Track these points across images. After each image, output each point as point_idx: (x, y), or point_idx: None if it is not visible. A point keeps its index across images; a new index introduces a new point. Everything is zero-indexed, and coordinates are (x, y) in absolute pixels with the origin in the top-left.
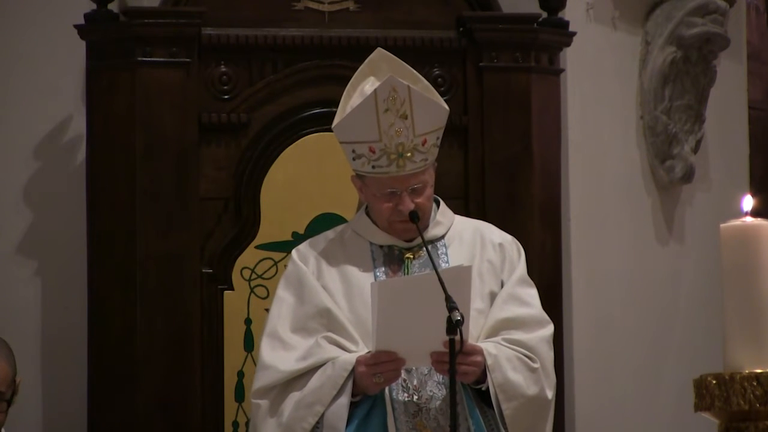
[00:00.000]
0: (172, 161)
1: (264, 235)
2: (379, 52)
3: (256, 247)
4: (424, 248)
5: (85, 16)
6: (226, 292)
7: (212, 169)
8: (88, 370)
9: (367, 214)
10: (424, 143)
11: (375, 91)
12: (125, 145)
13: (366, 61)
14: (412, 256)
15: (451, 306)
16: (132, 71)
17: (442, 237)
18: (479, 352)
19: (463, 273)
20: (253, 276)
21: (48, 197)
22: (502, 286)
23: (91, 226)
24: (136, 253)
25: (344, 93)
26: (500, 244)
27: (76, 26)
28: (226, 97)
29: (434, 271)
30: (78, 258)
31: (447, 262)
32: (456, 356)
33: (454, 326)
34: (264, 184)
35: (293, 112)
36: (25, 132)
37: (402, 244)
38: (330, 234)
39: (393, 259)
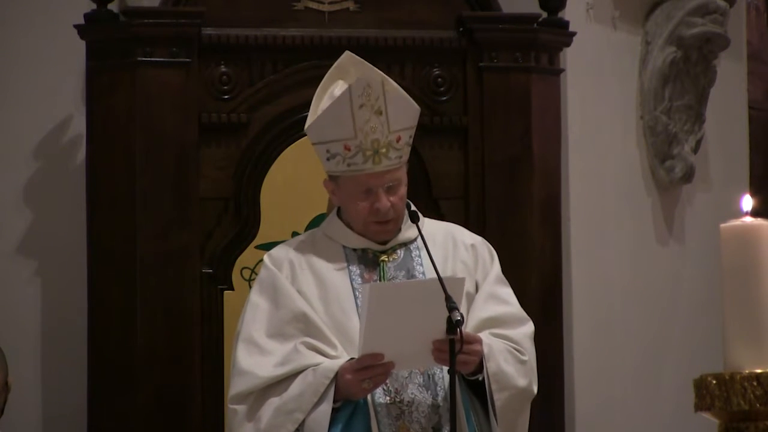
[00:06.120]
0: (172, 161)
1: (264, 235)
2: (348, 55)
3: (256, 247)
4: (400, 250)
5: (85, 16)
6: (226, 292)
7: (212, 169)
8: (88, 370)
9: (339, 217)
10: (398, 140)
11: (349, 87)
12: (125, 145)
13: (335, 64)
14: (386, 259)
15: (451, 306)
16: (132, 71)
17: (415, 239)
18: (479, 340)
19: (457, 284)
20: (253, 276)
21: (48, 197)
22: (476, 286)
23: (91, 226)
24: (136, 253)
25: (314, 96)
26: (472, 245)
27: (76, 26)
28: (226, 97)
29: (434, 276)
30: (78, 258)
31: (421, 264)
32: (455, 356)
33: (454, 326)
34: (264, 184)
35: (293, 112)
36: (25, 132)
37: (376, 247)
38: (302, 238)
39: (367, 262)
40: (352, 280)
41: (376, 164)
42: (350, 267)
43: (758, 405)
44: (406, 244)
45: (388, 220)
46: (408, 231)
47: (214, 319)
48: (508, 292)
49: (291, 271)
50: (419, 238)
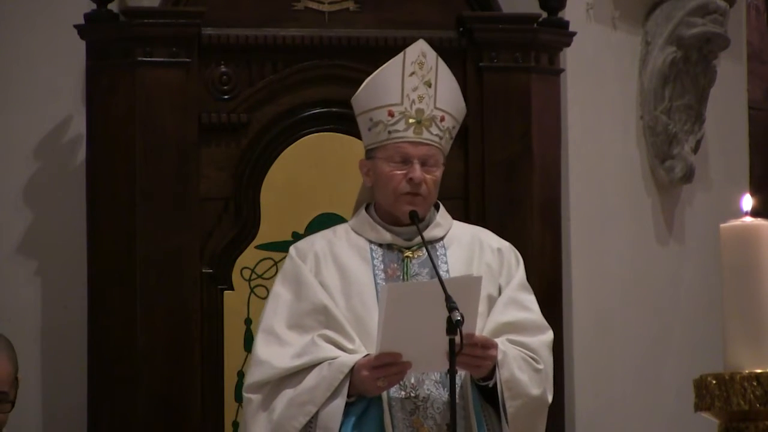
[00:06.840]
0: (172, 161)
1: (264, 235)
2: None
3: (256, 247)
4: (424, 247)
5: (85, 16)
6: (226, 292)
7: (212, 169)
8: (88, 369)
9: (367, 212)
10: (442, 119)
11: (404, 52)
12: (125, 145)
13: None
14: (411, 255)
15: (450, 306)
16: (132, 71)
17: (441, 239)
18: (494, 345)
19: (473, 282)
20: (253, 276)
21: (48, 197)
22: (499, 290)
23: (91, 226)
24: (136, 252)
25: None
26: (499, 249)
27: (76, 26)
28: (226, 97)
29: (456, 275)
30: (78, 258)
31: (446, 263)
32: (455, 356)
33: (454, 326)
34: (264, 184)
35: (293, 112)
36: (25, 132)
37: (401, 243)
38: (328, 233)
39: (392, 258)
40: (375, 275)
41: (417, 134)
42: (374, 262)
43: (758, 405)
44: (431, 243)
45: (419, 194)
46: (434, 230)
47: (214, 319)
48: (530, 299)
49: (315, 264)
50: (445, 237)
